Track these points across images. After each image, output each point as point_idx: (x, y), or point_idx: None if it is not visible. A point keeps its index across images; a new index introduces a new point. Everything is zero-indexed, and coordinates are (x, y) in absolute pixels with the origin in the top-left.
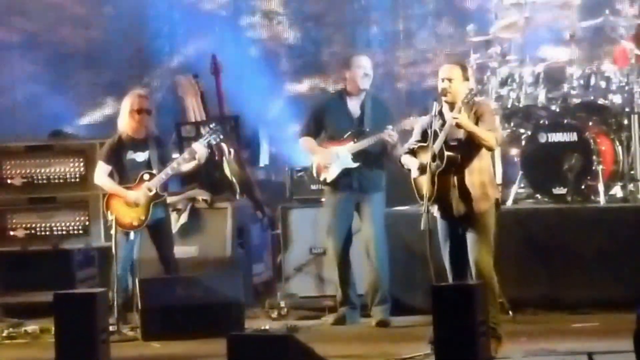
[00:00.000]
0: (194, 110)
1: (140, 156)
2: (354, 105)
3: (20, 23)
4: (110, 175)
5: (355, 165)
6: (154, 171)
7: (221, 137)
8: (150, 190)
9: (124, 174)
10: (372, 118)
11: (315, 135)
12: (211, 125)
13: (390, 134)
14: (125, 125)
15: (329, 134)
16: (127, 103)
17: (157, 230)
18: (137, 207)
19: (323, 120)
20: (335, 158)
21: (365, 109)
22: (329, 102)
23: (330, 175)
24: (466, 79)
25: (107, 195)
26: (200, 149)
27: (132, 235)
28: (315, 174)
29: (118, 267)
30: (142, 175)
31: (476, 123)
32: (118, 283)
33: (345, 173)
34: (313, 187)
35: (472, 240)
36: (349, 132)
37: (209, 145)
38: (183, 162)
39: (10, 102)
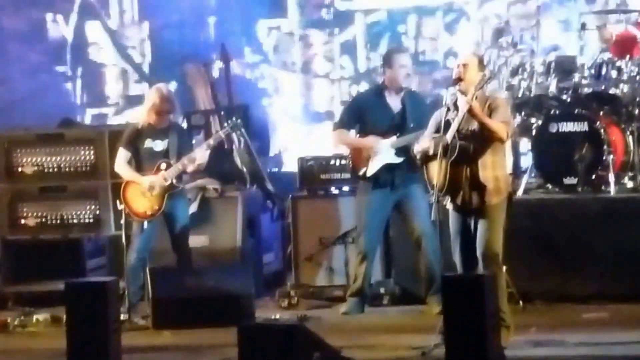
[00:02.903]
0: (204, 99)
1: (159, 145)
2: (393, 101)
3: (28, 12)
4: (129, 163)
5: (399, 160)
6: (172, 161)
7: (242, 130)
8: (165, 180)
9: (141, 162)
10: (413, 113)
11: (348, 129)
12: (233, 119)
13: None
14: (146, 117)
15: (368, 129)
16: (150, 100)
17: (173, 221)
18: (151, 196)
19: (361, 115)
20: (378, 151)
21: (406, 104)
22: (368, 97)
23: (371, 169)
24: (481, 69)
25: (124, 184)
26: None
27: (145, 224)
28: (351, 168)
29: (132, 258)
30: (160, 164)
31: (489, 116)
32: (131, 275)
33: (386, 169)
34: (323, 176)
35: (481, 233)
36: (391, 127)
37: (228, 136)
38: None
39: (20, 91)
